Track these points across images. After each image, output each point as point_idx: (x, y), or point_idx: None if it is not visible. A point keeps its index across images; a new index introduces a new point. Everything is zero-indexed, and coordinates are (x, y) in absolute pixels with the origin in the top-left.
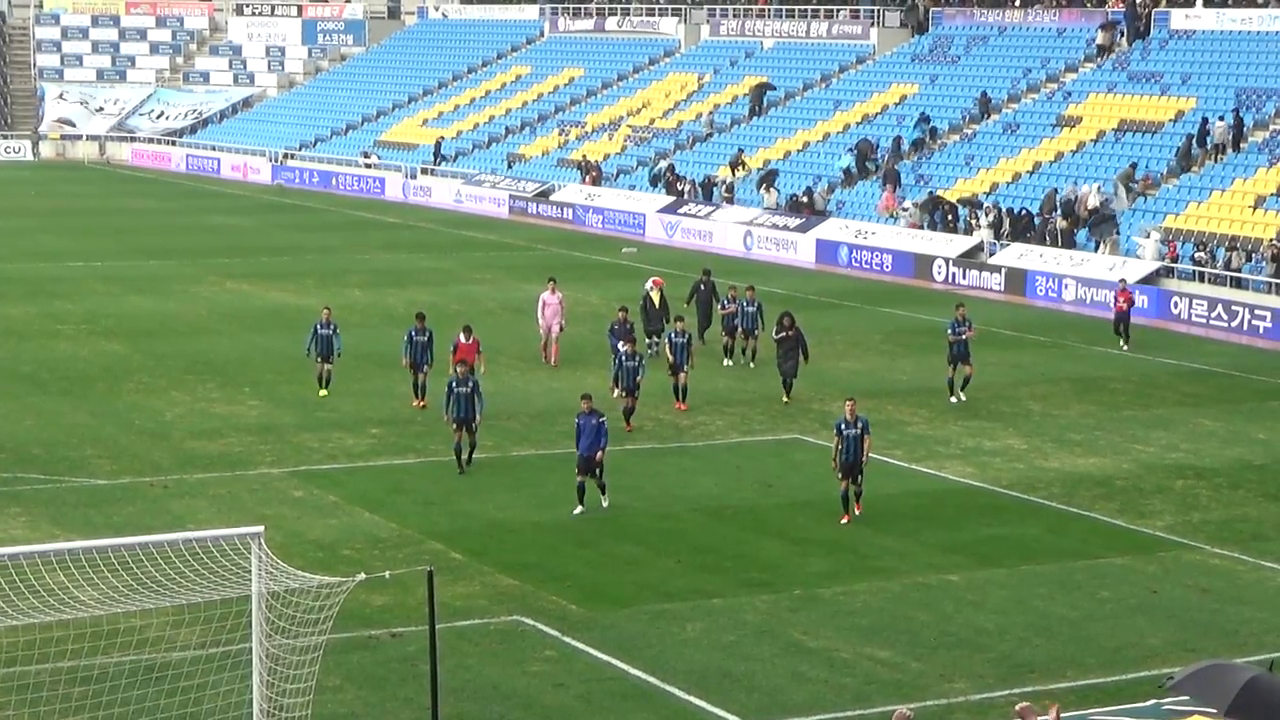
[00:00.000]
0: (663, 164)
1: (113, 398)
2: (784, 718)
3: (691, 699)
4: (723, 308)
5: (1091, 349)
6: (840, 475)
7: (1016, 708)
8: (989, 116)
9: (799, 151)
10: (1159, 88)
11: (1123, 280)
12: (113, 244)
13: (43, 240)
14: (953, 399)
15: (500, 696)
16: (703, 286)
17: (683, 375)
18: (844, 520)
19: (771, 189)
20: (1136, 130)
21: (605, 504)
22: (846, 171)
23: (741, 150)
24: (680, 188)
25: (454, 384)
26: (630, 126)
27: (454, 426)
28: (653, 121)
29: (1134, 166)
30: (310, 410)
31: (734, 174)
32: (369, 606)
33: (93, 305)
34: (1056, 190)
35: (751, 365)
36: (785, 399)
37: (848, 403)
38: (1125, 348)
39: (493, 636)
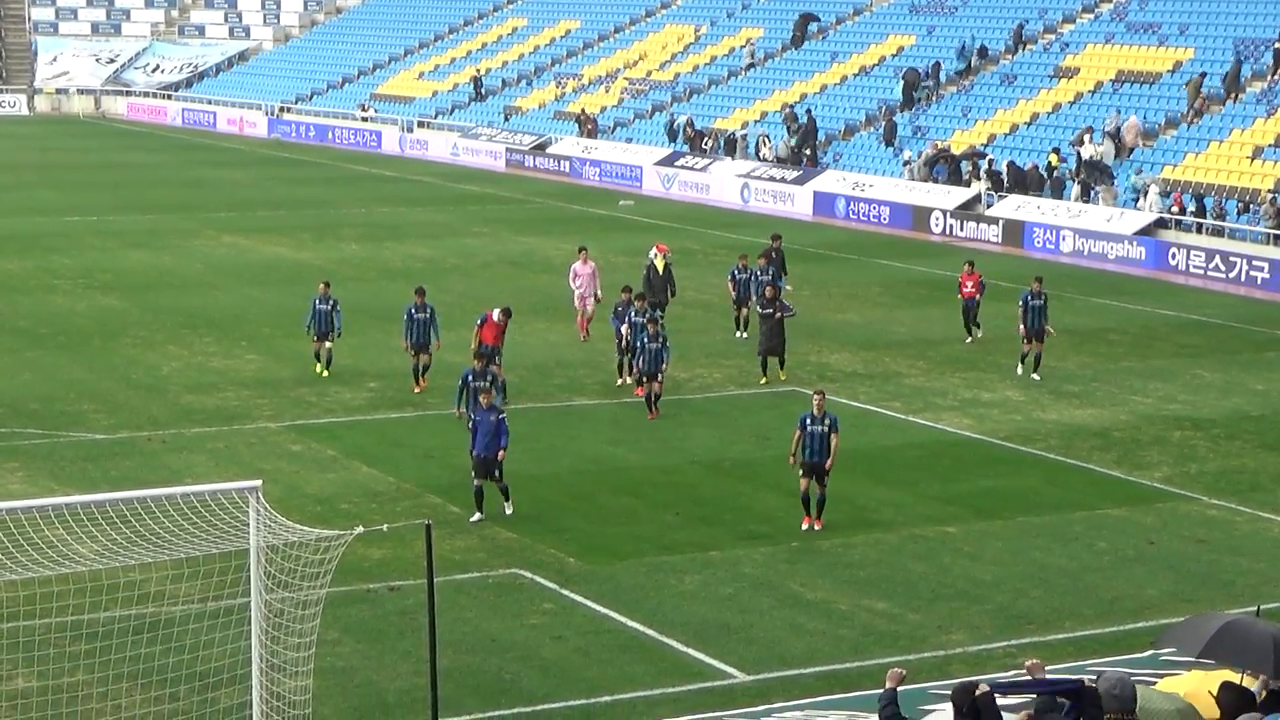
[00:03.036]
0: (681, 118)
1: (109, 352)
2: (782, 669)
3: (690, 651)
4: (732, 278)
5: (1089, 300)
6: (801, 474)
7: (1027, 664)
8: (1027, 47)
9: (797, 103)
10: (1157, 39)
11: (970, 263)
12: (109, 198)
13: (39, 195)
14: (1019, 371)
15: (499, 649)
16: (774, 254)
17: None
18: (805, 524)
19: (799, 132)
20: (1134, 81)
21: (509, 511)
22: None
23: (792, 107)
24: (704, 143)
25: (470, 377)
26: (627, 79)
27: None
28: (649, 74)
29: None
30: (307, 364)
31: (790, 130)
32: (367, 560)
33: (89, 260)
34: (1091, 128)
35: (743, 335)
36: (765, 379)
37: (815, 396)
38: (978, 334)
39: (491, 590)
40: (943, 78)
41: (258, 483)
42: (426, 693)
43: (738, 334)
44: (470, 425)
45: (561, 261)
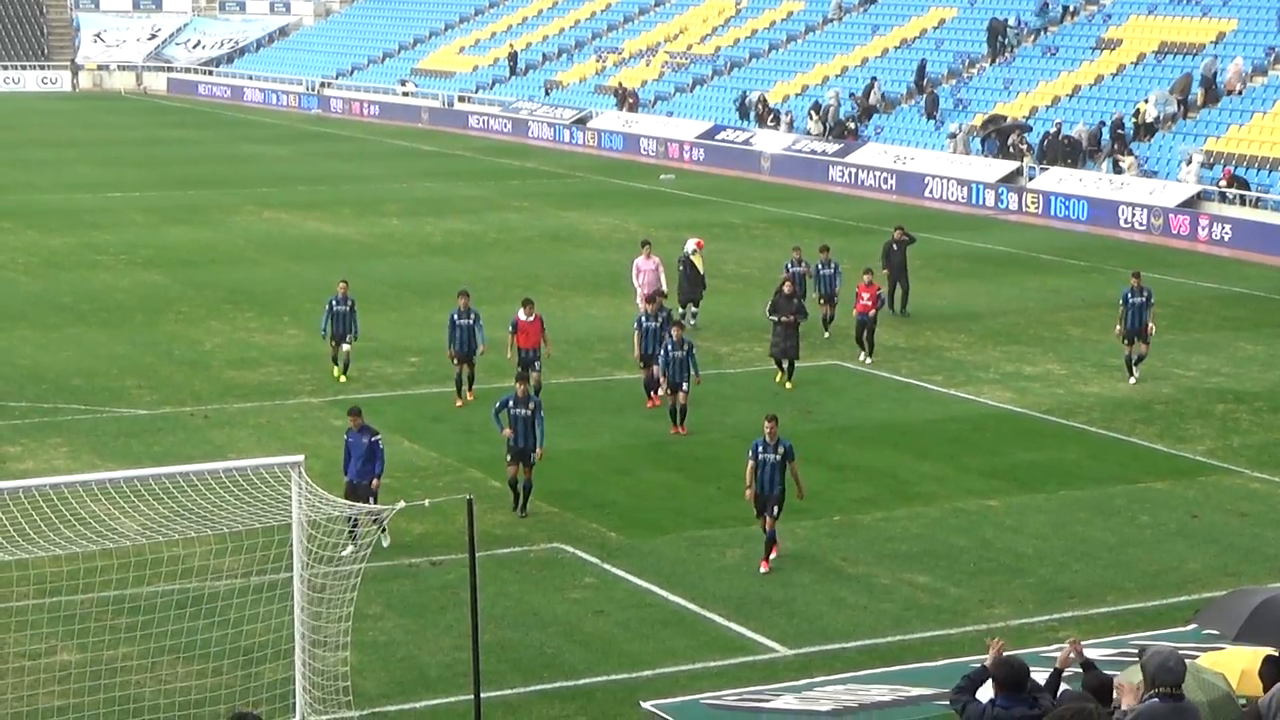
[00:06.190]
0: (753, 94)
1: (152, 328)
2: (824, 643)
3: (731, 625)
4: (786, 271)
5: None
6: (755, 509)
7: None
8: (1073, 15)
9: (838, 76)
10: (1200, 9)
11: (868, 271)
12: (151, 174)
13: (81, 171)
14: (1131, 379)
15: (541, 624)
16: (895, 246)
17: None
18: (772, 557)
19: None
20: (1177, 52)
21: (386, 543)
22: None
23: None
24: (773, 120)
25: (511, 404)
26: (667, 53)
27: (508, 458)
28: (690, 47)
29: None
30: None
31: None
32: (409, 535)
33: (131, 236)
34: (1190, 74)
35: (826, 335)
36: (781, 382)
37: (766, 423)
38: (867, 361)
39: (532, 564)
40: (1023, 30)
41: (300, 458)
42: (468, 667)
43: (825, 334)
44: (345, 449)
45: (602, 236)
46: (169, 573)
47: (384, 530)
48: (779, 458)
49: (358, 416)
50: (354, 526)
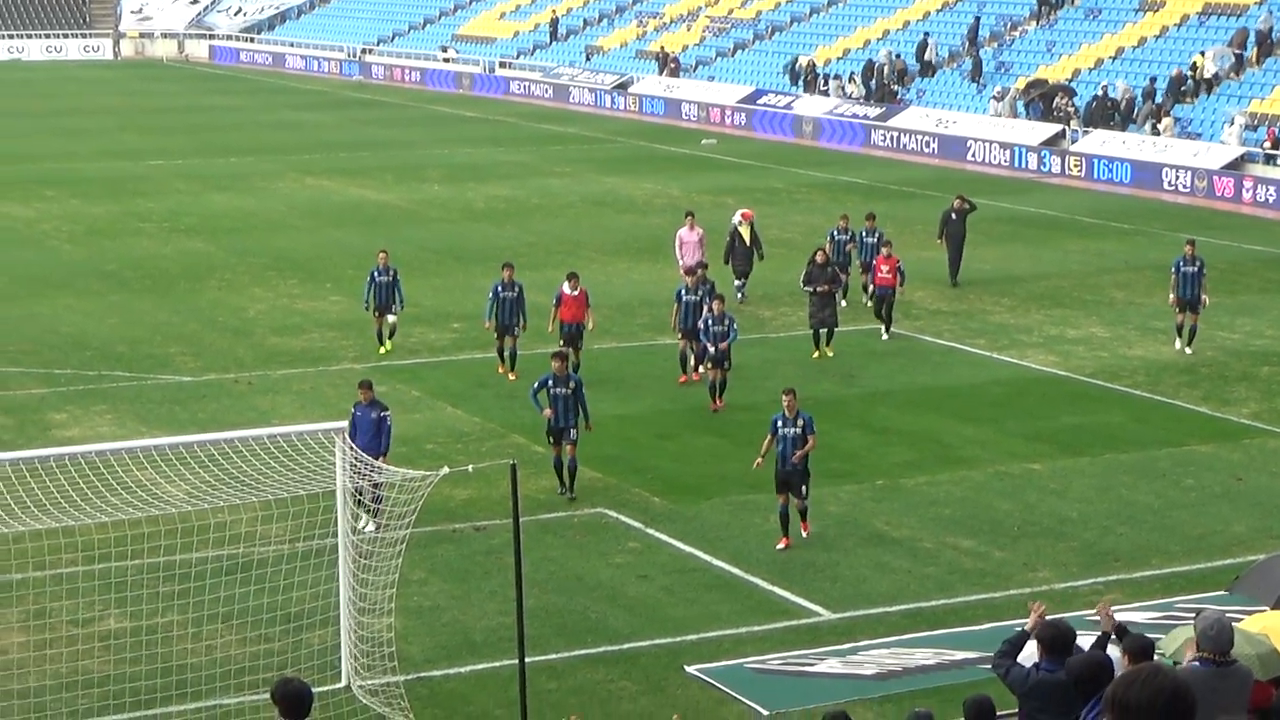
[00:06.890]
0: (803, 59)
1: (195, 295)
2: (867, 608)
3: (775, 589)
4: (830, 239)
5: (1176, 235)
6: (777, 488)
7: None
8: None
9: (879, 39)
10: None
11: (887, 244)
12: (193, 142)
13: (124, 139)
14: (1177, 345)
15: (585, 589)
16: (955, 215)
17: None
18: (781, 545)
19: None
20: (1220, 13)
21: (364, 526)
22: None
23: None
24: (824, 84)
25: (550, 382)
26: (709, 17)
27: (550, 440)
28: (731, 12)
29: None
30: None
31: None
32: (453, 500)
33: (174, 203)
34: (1247, 30)
35: (868, 303)
36: (817, 353)
37: (784, 396)
38: (886, 336)
39: (576, 529)
40: None
41: (344, 424)
42: (513, 631)
43: (866, 302)
44: (350, 421)
45: (644, 201)
46: (215, 539)
47: (374, 509)
48: (799, 430)
49: (368, 390)
50: (376, 500)
